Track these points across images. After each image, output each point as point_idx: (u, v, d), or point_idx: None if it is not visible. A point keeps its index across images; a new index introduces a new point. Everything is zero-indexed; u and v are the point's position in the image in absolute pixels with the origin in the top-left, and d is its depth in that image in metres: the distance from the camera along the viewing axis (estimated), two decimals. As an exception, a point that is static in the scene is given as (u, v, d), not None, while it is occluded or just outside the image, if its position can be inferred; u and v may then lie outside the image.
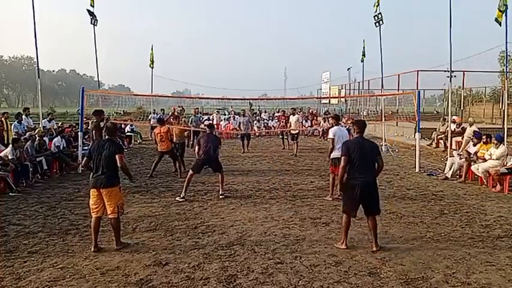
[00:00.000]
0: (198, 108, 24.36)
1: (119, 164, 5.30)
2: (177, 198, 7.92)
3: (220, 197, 8.04)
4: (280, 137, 17.50)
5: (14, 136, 11.01)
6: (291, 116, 15.62)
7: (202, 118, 20.96)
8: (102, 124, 8.68)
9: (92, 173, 5.37)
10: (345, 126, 20.30)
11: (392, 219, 6.63)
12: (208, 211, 7.15)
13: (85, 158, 5.55)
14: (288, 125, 15.98)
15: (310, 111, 29.53)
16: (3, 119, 12.76)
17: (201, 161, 8.19)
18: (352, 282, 4.33)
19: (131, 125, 19.24)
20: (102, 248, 5.29)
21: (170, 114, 19.26)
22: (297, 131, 15.23)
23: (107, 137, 5.61)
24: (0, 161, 8.80)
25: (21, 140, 9.83)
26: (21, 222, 6.50)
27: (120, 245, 5.34)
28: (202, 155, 8.13)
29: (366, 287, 4.24)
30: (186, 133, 14.06)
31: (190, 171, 8.20)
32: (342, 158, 5.25)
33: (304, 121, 21.45)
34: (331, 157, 7.84)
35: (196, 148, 8.37)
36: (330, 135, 7.96)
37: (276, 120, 25.19)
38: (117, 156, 5.28)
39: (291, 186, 9.31)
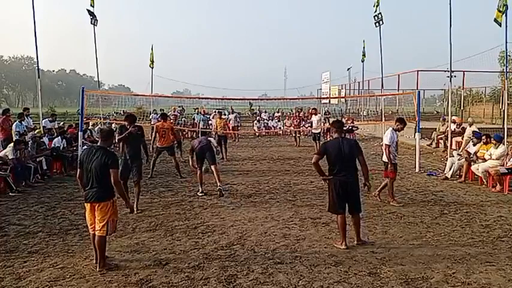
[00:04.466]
0: (198, 108, 24.36)
1: (112, 182, 4.64)
2: (198, 193, 8.27)
3: (219, 187, 8.14)
4: (293, 135, 18.67)
5: (15, 135, 11.02)
6: (313, 116, 16.16)
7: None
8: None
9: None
10: (347, 126, 20.44)
11: (392, 219, 6.63)
12: (208, 211, 7.15)
13: (78, 170, 4.80)
14: (309, 124, 16.87)
15: (310, 111, 29.51)
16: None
17: (198, 151, 8.26)
18: (352, 282, 4.33)
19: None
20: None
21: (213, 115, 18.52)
22: (318, 130, 15.43)
23: (99, 142, 4.95)
24: (0, 161, 8.80)
25: (23, 141, 9.85)
26: (21, 222, 6.50)
27: (103, 266, 4.63)
28: (197, 147, 8.28)
29: (365, 287, 4.24)
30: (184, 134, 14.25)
31: (198, 171, 8.42)
32: (314, 156, 5.44)
33: (304, 121, 21.59)
34: (383, 160, 7.85)
35: (190, 160, 8.49)
36: (387, 141, 7.49)
37: (276, 120, 25.30)
38: (111, 171, 4.61)
39: (291, 186, 9.31)
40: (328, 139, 19.77)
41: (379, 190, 7.83)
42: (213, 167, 8.27)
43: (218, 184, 8.18)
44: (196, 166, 8.39)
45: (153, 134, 10.64)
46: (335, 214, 5.49)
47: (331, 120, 22.67)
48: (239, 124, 23.29)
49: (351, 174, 5.30)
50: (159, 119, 11.35)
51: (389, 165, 7.44)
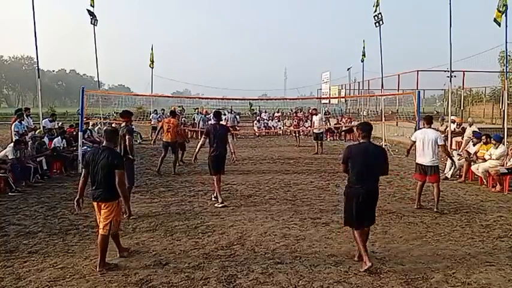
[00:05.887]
0: (198, 108, 24.42)
1: (117, 182, 4.63)
2: (216, 205, 7.45)
3: (220, 202, 7.47)
4: (295, 135, 18.67)
5: (15, 136, 11.02)
6: (314, 116, 16.12)
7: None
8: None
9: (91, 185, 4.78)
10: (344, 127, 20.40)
11: (392, 219, 6.63)
12: (208, 211, 7.15)
13: (83, 171, 4.84)
14: (312, 124, 16.77)
15: (310, 111, 29.55)
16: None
17: (213, 158, 7.57)
18: (352, 282, 4.33)
19: (131, 125, 19.19)
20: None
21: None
22: (321, 130, 15.42)
23: (104, 143, 4.92)
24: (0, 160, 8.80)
25: (23, 141, 9.85)
26: (21, 222, 6.50)
27: (103, 266, 4.62)
28: (213, 152, 7.56)
29: (365, 287, 4.24)
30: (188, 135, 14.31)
31: (213, 177, 7.64)
32: (342, 165, 4.90)
33: (304, 121, 21.63)
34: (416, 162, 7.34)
35: (202, 139, 7.74)
36: (412, 138, 7.32)
37: (276, 120, 25.31)
38: (116, 172, 4.62)
39: (291, 186, 9.30)
40: (329, 139, 19.93)
41: (436, 203, 7.26)
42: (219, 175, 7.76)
43: (219, 199, 7.52)
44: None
45: (158, 128, 11.27)
46: (353, 228, 4.80)
47: (331, 120, 22.71)
48: (237, 124, 23.31)
49: (373, 183, 4.76)
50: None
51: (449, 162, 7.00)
